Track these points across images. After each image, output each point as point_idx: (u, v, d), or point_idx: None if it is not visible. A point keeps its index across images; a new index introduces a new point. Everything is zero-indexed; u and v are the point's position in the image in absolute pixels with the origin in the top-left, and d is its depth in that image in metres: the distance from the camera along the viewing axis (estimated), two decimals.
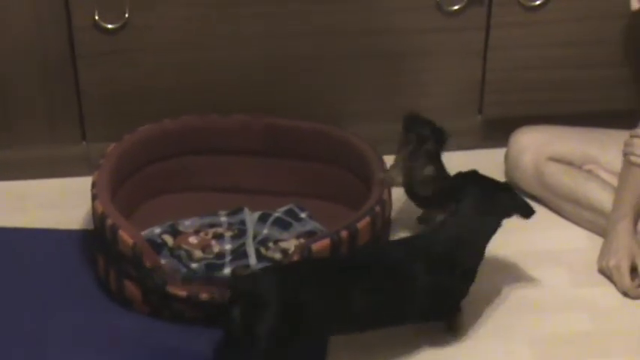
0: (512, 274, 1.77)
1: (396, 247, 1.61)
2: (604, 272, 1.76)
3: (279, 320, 1.44)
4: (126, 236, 1.61)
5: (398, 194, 1.81)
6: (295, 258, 1.58)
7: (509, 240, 1.83)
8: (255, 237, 1.76)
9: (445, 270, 1.58)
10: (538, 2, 1.91)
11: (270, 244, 1.74)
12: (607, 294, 1.74)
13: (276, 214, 1.80)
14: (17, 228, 1.82)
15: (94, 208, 1.68)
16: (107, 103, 1.90)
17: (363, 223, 1.64)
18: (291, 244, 1.73)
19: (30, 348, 1.59)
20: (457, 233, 1.60)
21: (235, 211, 1.82)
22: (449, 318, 1.64)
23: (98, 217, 1.67)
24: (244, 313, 1.45)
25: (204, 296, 1.58)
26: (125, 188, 1.80)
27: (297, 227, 1.78)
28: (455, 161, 1.98)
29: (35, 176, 1.93)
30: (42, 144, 1.92)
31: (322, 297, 1.48)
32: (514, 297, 1.73)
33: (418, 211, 1.83)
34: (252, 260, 1.71)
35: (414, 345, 1.62)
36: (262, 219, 1.80)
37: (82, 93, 1.88)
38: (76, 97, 1.89)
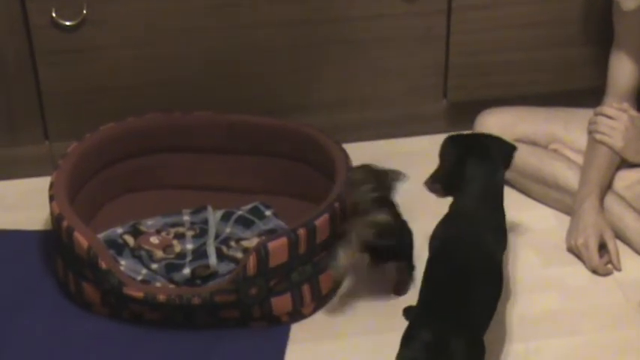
0: None
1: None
2: (572, 251, 1.77)
3: None
4: (81, 238, 1.60)
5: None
6: (252, 257, 1.56)
7: None
8: (217, 236, 1.75)
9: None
10: None
11: (232, 243, 1.73)
12: (576, 272, 1.74)
13: (240, 212, 1.79)
14: None
15: (51, 209, 1.67)
16: (69, 101, 1.88)
17: (321, 220, 1.62)
18: (252, 243, 1.72)
19: None
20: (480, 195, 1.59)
21: (199, 210, 1.81)
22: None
23: (55, 219, 1.66)
24: None
25: (161, 297, 1.57)
26: (88, 188, 1.79)
27: (260, 225, 1.77)
28: (421, 146, 1.99)
29: None
30: (3, 145, 1.90)
31: None
32: None
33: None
34: (213, 260, 1.70)
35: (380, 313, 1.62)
36: (225, 217, 1.79)
37: (43, 92, 1.87)
38: (36, 96, 1.87)
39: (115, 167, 1.83)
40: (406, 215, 1.81)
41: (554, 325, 1.64)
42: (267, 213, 1.80)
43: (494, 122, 1.90)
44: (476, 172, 1.60)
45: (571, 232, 1.77)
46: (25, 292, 1.68)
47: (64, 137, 1.87)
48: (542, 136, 1.89)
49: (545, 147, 1.89)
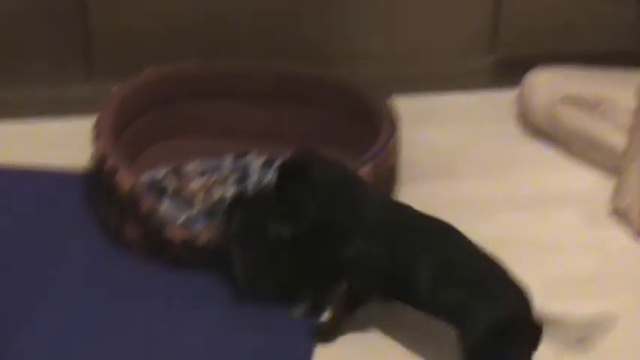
0: (523, 214, 1.76)
1: None
2: (617, 212, 1.74)
3: None
4: (124, 179, 1.60)
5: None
6: None
7: (520, 180, 1.82)
8: (258, 182, 1.75)
9: None
10: None
11: None
12: (619, 235, 1.72)
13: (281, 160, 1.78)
14: (21, 168, 1.81)
15: (94, 149, 1.67)
16: (115, 42, 1.88)
17: (364, 171, 1.61)
18: None
19: (31, 291, 1.59)
20: None
21: (241, 156, 1.80)
22: None
23: (98, 159, 1.66)
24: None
25: (200, 241, 1.57)
26: (130, 130, 1.79)
27: None
28: (467, 102, 1.97)
29: (41, 116, 1.92)
30: (48, 84, 1.91)
31: None
32: (524, 237, 1.71)
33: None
34: None
35: None
36: (267, 164, 1.78)
37: (90, 32, 1.87)
38: (82, 37, 1.87)
39: (158, 111, 1.83)
40: (447, 174, 1.80)
41: (593, 287, 1.63)
42: None
43: (543, 81, 1.88)
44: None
45: (616, 193, 1.75)
46: (66, 231, 1.69)
47: (109, 78, 1.87)
48: (590, 96, 1.87)
49: (593, 107, 1.86)
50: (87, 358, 1.49)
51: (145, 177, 1.73)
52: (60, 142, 1.87)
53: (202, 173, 1.77)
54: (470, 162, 1.86)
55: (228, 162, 1.80)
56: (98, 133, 1.68)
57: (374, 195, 1.52)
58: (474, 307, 1.40)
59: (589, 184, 1.82)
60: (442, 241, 1.48)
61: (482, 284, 1.43)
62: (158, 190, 1.71)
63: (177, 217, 1.68)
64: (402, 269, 1.47)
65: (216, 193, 1.74)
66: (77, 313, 1.55)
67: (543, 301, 1.58)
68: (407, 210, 1.52)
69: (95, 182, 1.71)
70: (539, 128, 1.89)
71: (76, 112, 1.90)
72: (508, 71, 1.97)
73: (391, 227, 1.49)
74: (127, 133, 1.78)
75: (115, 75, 1.83)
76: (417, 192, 1.79)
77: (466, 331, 1.41)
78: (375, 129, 1.74)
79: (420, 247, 1.46)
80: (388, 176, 1.70)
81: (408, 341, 1.53)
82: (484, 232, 1.70)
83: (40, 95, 1.92)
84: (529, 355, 1.42)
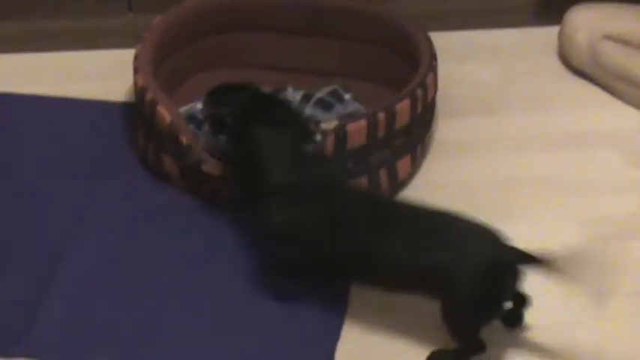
0: (562, 153, 1.75)
1: None
2: None
3: None
4: (164, 112, 1.60)
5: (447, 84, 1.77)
6: (330, 137, 1.56)
7: (560, 119, 1.81)
8: None
9: None
10: None
11: (312, 125, 1.73)
12: None
13: (319, 95, 1.78)
14: (62, 97, 1.82)
15: (134, 81, 1.67)
16: None
17: (402, 105, 1.60)
18: (331, 126, 1.71)
19: (69, 217, 1.61)
20: None
21: (279, 90, 1.80)
22: None
23: (138, 91, 1.66)
24: None
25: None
26: (170, 62, 1.78)
27: (339, 109, 1.76)
28: (507, 39, 1.95)
29: (81, 47, 1.92)
30: (88, 15, 1.91)
31: None
32: (563, 177, 1.71)
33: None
34: None
35: None
36: (305, 99, 1.78)
37: None
38: None
39: (198, 43, 1.82)
40: (486, 111, 1.79)
41: (635, 227, 1.61)
42: (347, 96, 1.78)
43: (585, 18, 1.86)
44: None
45: None
46: (105, 161, 1.70)
47: (148, 10, 1.86)
48: (633, 34, 1.84)
49: (636, 47, 1.84)
50: (119, 286, 1.51)
51: (185, 109, 1.73)
52: (102, 74, 1.87)
53: None
54: (509, 99, 1.85)
55: None
56: (138, 66, 1.68)
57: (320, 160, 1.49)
58: (457, 264, 1.36)
59: (630, 124, 1.80)
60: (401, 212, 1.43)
61: (456, 240, 1.38)
62: (197, 122, 1.71)
63: (215, 150, 1.68)
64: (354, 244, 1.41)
65: None
66: (113, 240, 1.57)
67: (582, 242, 1.59)
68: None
69: (135, 114, 1.71)
70: (581, 66, 1.87)
71: (118, 43, 1.90)
72: (549, 8, 1.95)
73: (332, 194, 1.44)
74: (166, 64, 1.77)
75: (156, 6, 1.82)
76: (455, 128, 1.78)
77: (455, 290, 1.36)
78: (414, 64, 1.72)
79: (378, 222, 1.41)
80: (427, 111, 1.69)
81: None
82: (521, 170, 1.71)
83: (82, 27, 1.92)
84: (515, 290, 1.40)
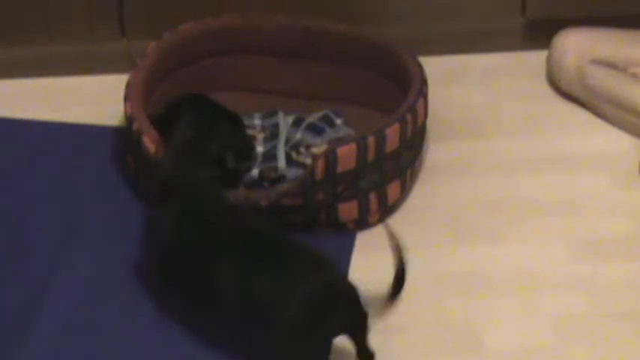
0: (551, 175, 1.76)
1: None
2: None
3: None
4: (148, 142, 1.62)
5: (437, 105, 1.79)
6: (321, 162, 1.57)
7: (549, 142, 1.82)
8: (287, 141, 1.76)
9: None
10: None
11: (302, 149, 1.74)
12: None
13: (310, 119, 1.79)
14: (56, 122, 1.84)
15: (124, 109, 1.69)
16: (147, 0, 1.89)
17: (391, 130, 1.62)
18: (322, 150, 1.72)
19: (59, 238, 1.63)
20: None
21: (270, 114, 1.82)
22: None
23: (127, 119, 1.68)
24: None
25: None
26: (163, 87, 1.80)
27: (330, 133, 1.77)
28: (495, 63, 1.97)
29: (75, 73, 1.94)
30: (81, 40, 1.92)
31: None
32: (552, 198, 1.72)
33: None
34: (282, 163, 1.71)
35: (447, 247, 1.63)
36: (296, 123, 1.79)
37: None
38: None
39: (190, 67, 1.84)
40: (476, 134, 1.80)
41: (624, 249, 1.63)
42: (338, 121, 1.80)
43: (573, 42, 1.87)
44: None
45: None
46: (96, 184, 1.72)
47: (141, 35, 1.88)
48: (621, 58, 1.86)
49: (624, 70, 1.85)
50: (107, 305, 1.53)
51: None
52: (95, 98, 1.89)
53: None
54: (499, 122, 1.86)
55: (256, 120, 1.81)
56: (128, 94, 1.70)
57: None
58: (283, 293, 1.34)
59: (618, 146, 1.81)
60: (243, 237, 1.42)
61: (287, 269, 1.37)
62: None
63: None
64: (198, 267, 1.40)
65: None
66: (104, 261, 1.59)
67: (571, 264, 1.60)
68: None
69: (125, 139, 1.73)
70: (569, 90, 1.88)
71: (110, 69, 1.91)
72: (538, 32, 1.97)
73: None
74: (160, 89, 1.79)
75: (149, 32, 1.84)
76: (445, 151, 1.80)
77: (279, 318, 1.34)
78: (404, 87, 1.74)
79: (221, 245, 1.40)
80: (417, 136, 1.71)
81: None
82: (511, 192, 1.72)
83: (75, 52, 1.93)
84: (346, 327, 1.37)
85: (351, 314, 1.36)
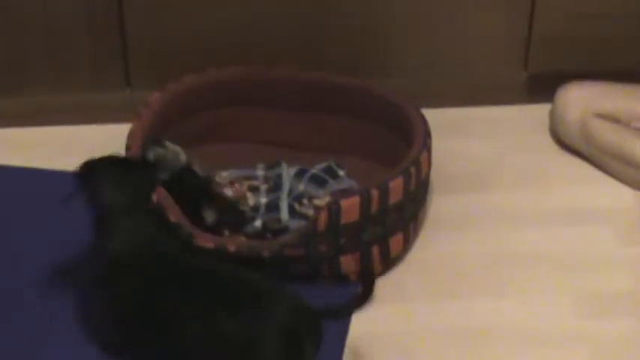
0: (555, 230, 1.76)
1: None
2: None
3: None
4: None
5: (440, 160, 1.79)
6: (324, 214, 1.57)
7: (553, 195, 1.82)
8: (290, 192, 1.76)
9: None
10: None
11: (305, 201, 1.74)
12: None
13: (314, 171, 1.79)
14: (59, 171, 1.83)
15: None
16: (153, 50, 1.90)
17: (395, 183, 1.62)
18: (324, 202, 1.72)
19: (61, 287, 1.63)
20: None
21: (273, 165, 1.82)
22: None
23: None
24: None
25: (231, 248, 1.58)
26: (166, 137, 1.80)
27: (333, 185, 1.77)
28: (499, 116, 1.97)
29: (79, 122, 1.94)
30: (86, 90, 1.93)
31: None
32: (556, 253, 1.71)
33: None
34: (285, 215, 1.71)
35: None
36: (299, 175, 1.79)
37: (128, 39, 1.88)
38: (121, 43, 1.89)
39: (194, 118, 1.84)
40: (480, 187, 1.80)
41: (629, 305, 1.62)
42: (341, 173, 1.80)
43: (576, 96, 1.88)
44: None
45: None
46: None
47: (146, 85, 1.89)
48: (624, 113, 1.86)
49: (627, 124, 1.85)
50: None
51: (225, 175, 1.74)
52: (100, 148, 1.88)
53: (234, 181, 1.78)
54: (502, 176, 1.86)
55: (259, 172, 1.81)
56: (130, 144, 1.70)
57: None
58: (256, 329, 1.36)
59: (622, 201, 1.81)
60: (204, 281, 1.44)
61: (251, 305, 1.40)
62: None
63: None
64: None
65: (250, 201, 1.75)
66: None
67: (574, 320, 1.59)
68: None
69: None
70: (572, 144, 1.89)
71: (115, 118, 1.92)
72: (541, 86, 1.97)
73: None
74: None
75: (153, 82, 1.85)
76: (449, 204, 1.79)
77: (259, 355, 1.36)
78: (407, 140, 1.74)
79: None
80: (420, 188, 1.70)
81: None
82: (515, 246, 1.72)
83: (79, 101, 1.94)
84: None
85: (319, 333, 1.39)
